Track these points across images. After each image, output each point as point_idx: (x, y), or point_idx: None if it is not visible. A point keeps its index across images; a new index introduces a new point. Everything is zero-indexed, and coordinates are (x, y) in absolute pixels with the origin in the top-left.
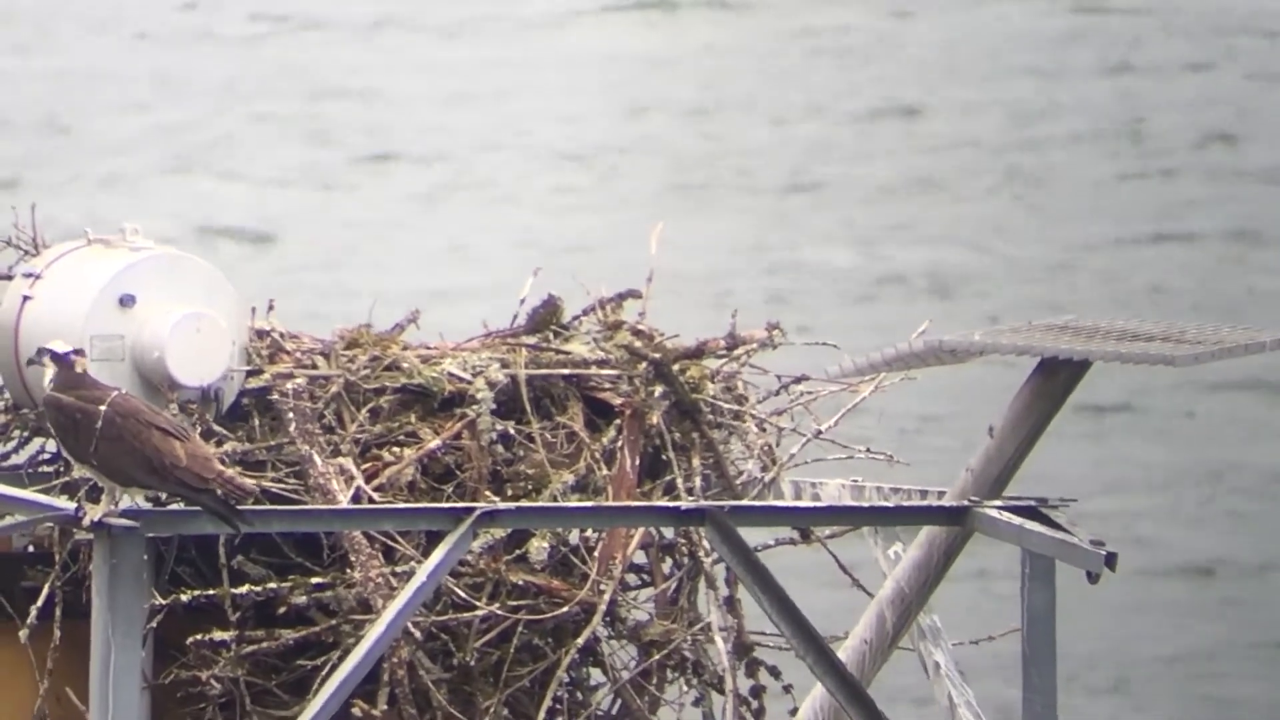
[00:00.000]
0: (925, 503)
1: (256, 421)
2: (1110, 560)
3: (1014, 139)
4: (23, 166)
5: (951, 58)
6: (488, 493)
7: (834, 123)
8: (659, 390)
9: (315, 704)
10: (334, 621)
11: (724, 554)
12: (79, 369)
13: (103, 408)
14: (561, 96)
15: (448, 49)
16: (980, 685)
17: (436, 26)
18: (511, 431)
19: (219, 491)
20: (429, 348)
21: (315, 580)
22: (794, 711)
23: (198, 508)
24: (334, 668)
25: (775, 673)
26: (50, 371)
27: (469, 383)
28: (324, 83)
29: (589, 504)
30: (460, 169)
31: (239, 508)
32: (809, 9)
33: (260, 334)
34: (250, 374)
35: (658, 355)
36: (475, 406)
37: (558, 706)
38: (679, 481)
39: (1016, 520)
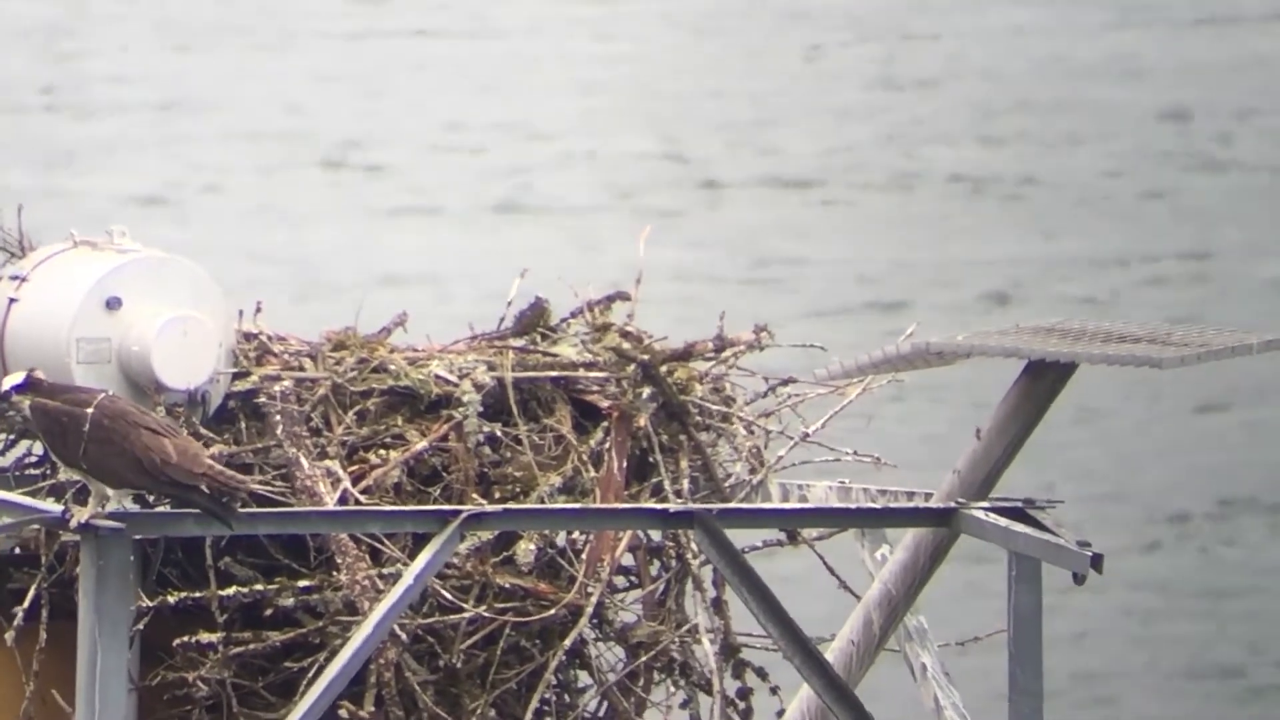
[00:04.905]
0: (912, 504)
1: (243, 424)
2: (1096, 561)
3: None
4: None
5: None
6: (474, 495)
7: None
8: (647, 392)
9: (302, 706)
10: (321, 623)
11: (712, 556)
12: (45, 380)
13: (90, 410)
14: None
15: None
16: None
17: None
18: (498, 434)
19: (204, 487)
20: (416, 350)
21: (302, 583)
22: (781, 713)
23: (186, 508)
24: (321, 669)
25: (762, 674)
26: (26, 402)
27: (455, 385)
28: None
29: (576, 506)
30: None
31: (230, 504)
32: None
33: (247, 336)
34: (237, 376)
35: (646, 357)
36: (462, 409)
37: (545, 708)
38: (667, 484)
39: (1003, 521)
